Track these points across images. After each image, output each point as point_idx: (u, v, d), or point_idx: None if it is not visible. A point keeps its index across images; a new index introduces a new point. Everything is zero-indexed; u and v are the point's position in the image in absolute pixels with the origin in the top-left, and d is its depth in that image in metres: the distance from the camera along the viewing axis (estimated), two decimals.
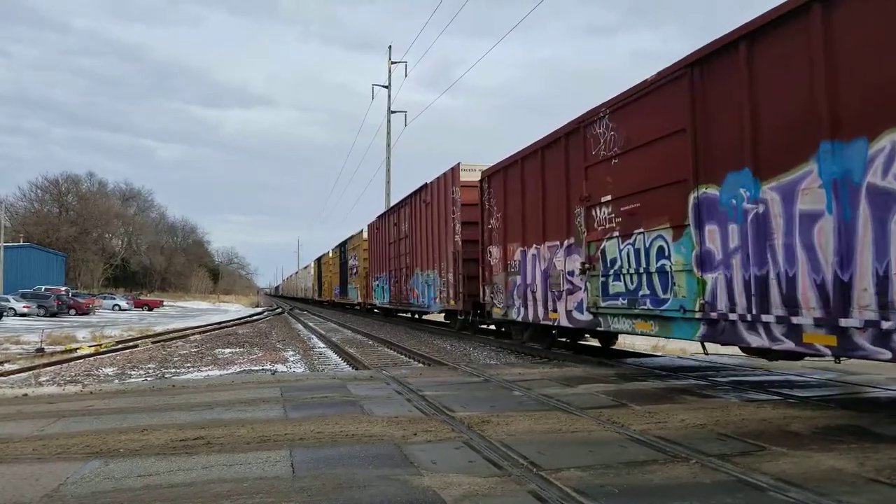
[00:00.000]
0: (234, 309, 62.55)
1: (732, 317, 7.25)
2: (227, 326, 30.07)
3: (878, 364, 7.21)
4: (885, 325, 5.49)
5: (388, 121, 40.42)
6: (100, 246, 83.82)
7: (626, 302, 9.48)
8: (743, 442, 5.18)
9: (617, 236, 9.71)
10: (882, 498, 3.83)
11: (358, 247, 35.03)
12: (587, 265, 10.39)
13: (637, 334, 9.82)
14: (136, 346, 19.10)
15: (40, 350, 17.60)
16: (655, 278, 8.79)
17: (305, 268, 73.80)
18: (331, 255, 48.03)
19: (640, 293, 9.11)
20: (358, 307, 38.42)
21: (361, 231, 34.51)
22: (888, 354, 5.54)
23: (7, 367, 13.84)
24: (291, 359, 15.61)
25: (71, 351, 17.37)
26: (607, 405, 6.90)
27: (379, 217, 29.11)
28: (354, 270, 36.42)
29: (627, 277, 9.46)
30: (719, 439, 5.29)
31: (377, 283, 29.39)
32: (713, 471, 4.41)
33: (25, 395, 8.44)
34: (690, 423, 5.92)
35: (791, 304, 6.44)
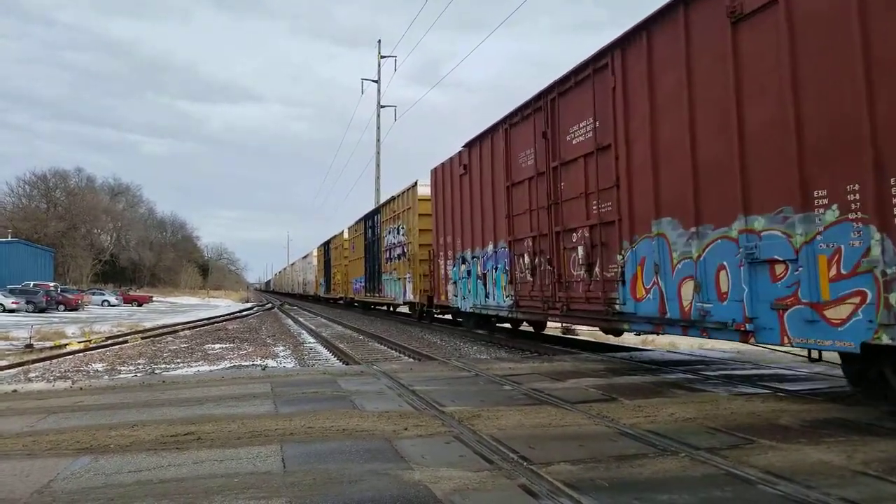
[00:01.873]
0: (224, 305, 62.31)
1: None
2: (216, 322, 29.98)
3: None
4: None
5: (378, 115, 40.37)
6: (88, 241, 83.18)
7: None
8: (732, 435, 5.21)
9: None
10: (870, 490, 3.87)
11: (406, 213, 22.17)
12: None
13: None
14: (125, 341, 19.02)
15: (29, 346, 17.50)
16: None
17: (305, 257, 60.43)
18: (346, 235, 36.08)
19: None
20: (404, 310, 26.20)
21: (414, 186, 21.22)
22: None
23: None
24: (282, 354, 15.60)
25: (60, 347, 17.27)
26: (597, 399, 6.93)
27: (471, 145, 14.98)
28: (399, 251, 23.08)
29: None
30: (708, 433, 5.32)
31: (464, 268, 15.66)
32: (702, 464, 4.44)
33: (15, 391, 8.38)
34: (680, 416, 5.95)
35: None
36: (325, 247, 45.37)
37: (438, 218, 17.76)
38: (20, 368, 12.89)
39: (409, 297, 22.02)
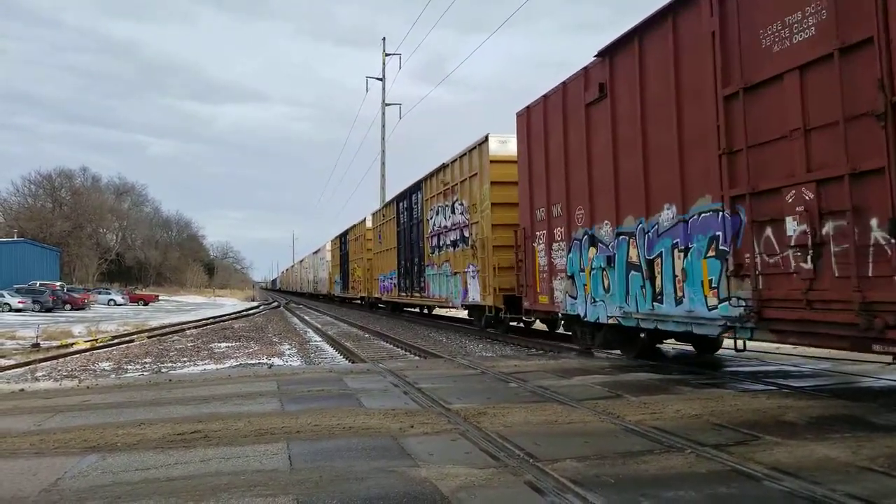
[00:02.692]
0: (230, 304, 62.47)
1: None
2: (222, 321, 30.05)
3: (871, 355, 7.24)
4: None
5: (383, 113, 40.40)
6: (94, 241, 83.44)
7: None
8: (738, 432, 5.21)
9: None
10: (875, 486, 3.86)
11: (467, 183, 16.65)
12: None
13: None
14: (132, 340, 19.08)
15: (36, 345, 17.57)
16: None
17: (316, 252, 54.91)
18: (370, 223, 31.09)
19: None
20: (443, 313, 22.89)
21: (483, 142, 15.49)
22: None
23: (3, 362, 13.83)
24: (287, 352, 15.63)
25: (67, 346, 17.34)
26: (603, 396, 6.93)
27: (615, 49, 9.53)
28: (455, 236, 17.68)
29: None
30: (714, 429, 5.32)
31: (593, 253, 10.32)
32: (708, 460, 4.44)
33: (22, 390, 8.43)
34: (685, 413, 5.95)
35: None
36: (342, 239, 39.57)
37: (535, 181, 12.38)
38: (27, 367, 12.94)
39: (475, 297, 16.18)
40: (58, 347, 17.18)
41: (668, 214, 8.44)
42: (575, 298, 10.88)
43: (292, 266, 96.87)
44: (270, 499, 3.83)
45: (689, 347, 11.09)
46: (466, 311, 18.76)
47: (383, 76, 41.02)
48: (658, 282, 8.68)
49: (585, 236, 10.50)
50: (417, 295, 22.11)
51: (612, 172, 9.65)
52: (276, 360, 13.84)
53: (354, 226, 35.55)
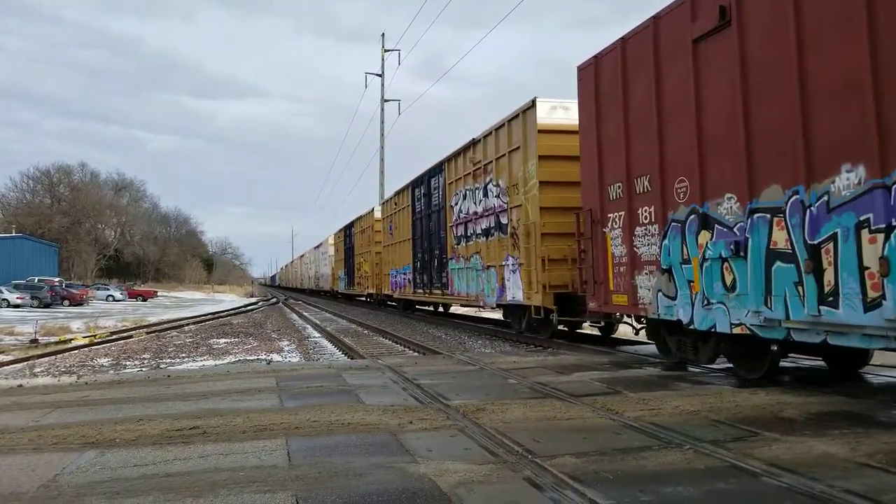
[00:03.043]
0: (229, 300, 62.45)
1: None
2: (221, 317, 30.05)
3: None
4: None
5: (382, 109, 40.37)
6: (93, 236, 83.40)
7: None
8: (736, 428, 5.21)
9: None
10: (874, 482, 3.86)
11: (505, 160, 14.04)
12: None
13: None
14: (130, 336, 19.08)
15: (34, 341, 17.57)
16: None
17: (318, 246, 53.11)
18: (379, 213, 29.01)
19: None
20: (468, 312, 21.32)
21: (530, 107, 12.86)
22: None
23: (1, 358, 13.82)
24: (286, 349, 15.64)
25: (65, 342, 17.34)
26: (601, 392, 6.94)
27: None
28: (489, 223, 15.14)
29: None
30: (713, 426, 5.33)
31: (705, 238, 7.63)
32: (706, 457, 4.44)
33: (20, 385, 8.43)
34: (684, 409, 5.95)
35: None
36: (346, 231, 36.89)
37: (606, 150, 9.78)
38: (25, 363, 12.96)
39: (515, 296, 13.63)
40: (56, 343, 17.19)
41: (848, 179, 5.87)
42: (672, 299, 8.31)
43: (292, 261, 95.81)
44: (269, 495, 3.83)
45: (820, 362, 8.51)
46: (501, 312, 16.47)
47: (382, 72, 41.00)
48: (829, 276, 6.03)
49: (692, 216, 7.92)
50: (438, 292, 19.45)
51: (740, 126, 7.04)
52: (275, 357, 13.84)
53: (360, 217, 32.82)
